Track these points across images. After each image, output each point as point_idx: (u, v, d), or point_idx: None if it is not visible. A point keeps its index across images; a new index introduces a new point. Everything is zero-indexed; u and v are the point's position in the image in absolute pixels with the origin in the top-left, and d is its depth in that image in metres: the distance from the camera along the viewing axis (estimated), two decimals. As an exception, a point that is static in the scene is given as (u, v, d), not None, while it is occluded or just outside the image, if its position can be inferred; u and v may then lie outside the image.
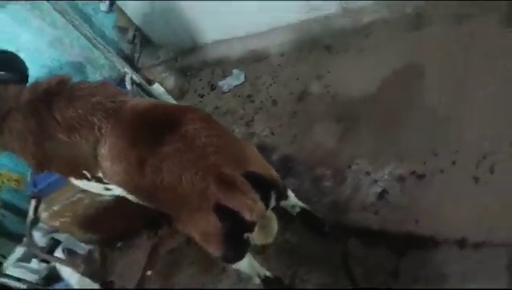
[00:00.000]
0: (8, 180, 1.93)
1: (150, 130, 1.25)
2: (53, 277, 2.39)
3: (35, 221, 2.20)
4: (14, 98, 1.46)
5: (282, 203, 1.51)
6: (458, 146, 1.77)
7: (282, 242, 1.86)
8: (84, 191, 2.12)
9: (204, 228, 1.17)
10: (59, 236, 2.46)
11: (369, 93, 2.21)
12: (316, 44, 2.63)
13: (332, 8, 2.56)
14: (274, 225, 1.35)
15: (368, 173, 1.93)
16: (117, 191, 1.57)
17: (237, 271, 1.87)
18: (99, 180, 1.53)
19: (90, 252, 2.50)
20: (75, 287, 2.23)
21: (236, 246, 1.22)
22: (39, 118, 1.38)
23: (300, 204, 1.59)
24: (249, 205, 1.09)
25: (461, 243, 1.54)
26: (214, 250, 1.22)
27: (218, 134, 1.23)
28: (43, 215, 2.19)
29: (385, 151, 1.95)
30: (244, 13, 2.64)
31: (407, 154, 1.88)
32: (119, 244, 2.49)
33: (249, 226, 1.16)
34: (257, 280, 1.50)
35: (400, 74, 2.18)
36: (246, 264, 1.43)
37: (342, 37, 2.53)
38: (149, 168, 1.18)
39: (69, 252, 2.46)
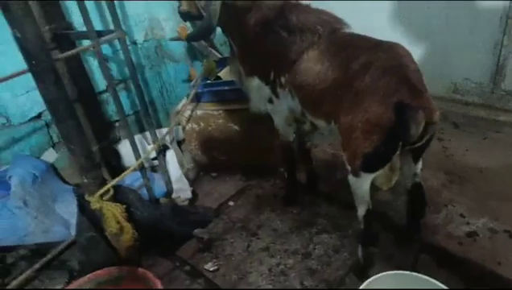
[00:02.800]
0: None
1: (365, 44, 1.62)
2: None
3: (178, 114, 2.66)
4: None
5: (407, 168, 1.77)
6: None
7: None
8: (226, 111, 2.57)
9: (374, 118, 1.40)
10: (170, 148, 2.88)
11: (481, 166, 2.48)
12: (446, 119, 2.99)
13: (474, 98, 2.95)
14: (397, 174, 1.60)
15: (462, 215, 2.13)
16: (283, 104, 1.96)
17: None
18: (274, 87, 1.94)
19: (188, 170, 2.87)
20: (172, 179, 2.56)
21: (387, 148, 1.45)
22: (275, 13, 1.81)
23: (419, 179, 1.83)
24: (433, 108, 1.39)
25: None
26: (370, 142, 1.43)
27: (420, 73, 1.54)
28: (186, 113, 2.65)
29: (483, 208, 2.16)
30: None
31: (505, 217, 2.07)
32: (214, 174, 2.83)
33: (409, 139, 1.41)
34: (362, 210, 1.71)
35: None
36: (367, 186, 1.63)
37: (474, 122, 2.87)
38: (357, 64, 1.51)
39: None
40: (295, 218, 2.34)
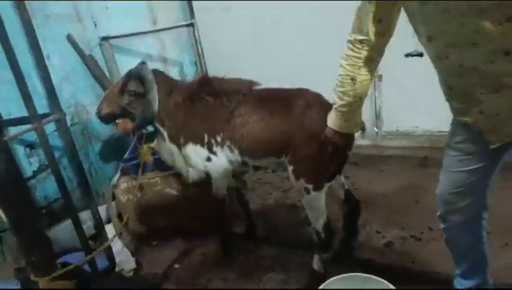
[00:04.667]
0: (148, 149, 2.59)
1: (287, 92, 2.06)
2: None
3: (113, 188, 2.74)
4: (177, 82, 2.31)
5: (336, 182, 2.17)
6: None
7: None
8: (163, 177, 2.74)
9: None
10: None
11: (383, 192, 3.03)
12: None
13: (364, 141, 3.61)
14: None
15: (378, 232, 2.57)
16: (220, 161, 2.21)
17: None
18: (210, 147, 2.21)
19: (127, 242, 2.87)
20: (115, 253, 2.55)
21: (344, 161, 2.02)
22: (198, 85, 2.16)
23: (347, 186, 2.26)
24: None
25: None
26: (335, 159, 1.93)
27: None
28: (122, 186, 2.74)
29: (392, 223, 2.63)
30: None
31: (409, 226, 2.56)
32: (154, 243, 2.87)
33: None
34: (322, 221, 2.01)
35: (407, 187, 3.04)
36: (323, 199, 1.99)
37: (368, 160, 3.50)
38: (298, 106, 1.90)
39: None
40: (242, 265, 2.51)
